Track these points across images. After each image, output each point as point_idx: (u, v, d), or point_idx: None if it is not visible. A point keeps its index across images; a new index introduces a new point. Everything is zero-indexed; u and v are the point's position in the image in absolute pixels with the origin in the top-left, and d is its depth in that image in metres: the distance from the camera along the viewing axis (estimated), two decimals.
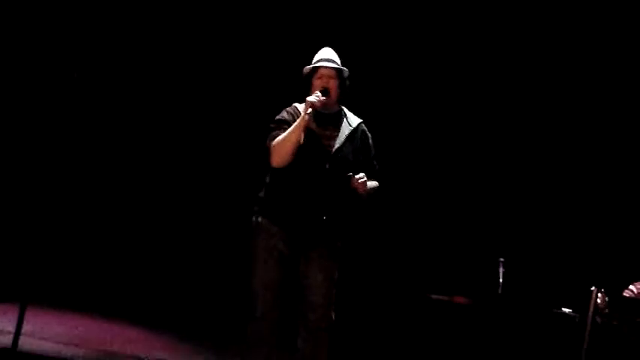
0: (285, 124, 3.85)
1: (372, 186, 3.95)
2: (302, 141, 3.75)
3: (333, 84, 3.91)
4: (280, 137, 3.80)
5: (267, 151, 3.85)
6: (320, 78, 3.92)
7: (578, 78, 6.31)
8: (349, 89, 4.04)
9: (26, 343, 3.84)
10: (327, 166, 3.84)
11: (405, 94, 6.57)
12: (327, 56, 3.98)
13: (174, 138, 6.89)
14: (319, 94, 3.84)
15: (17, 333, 3.30)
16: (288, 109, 3.97)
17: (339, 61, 4.01)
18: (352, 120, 4.01)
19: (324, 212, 3.83)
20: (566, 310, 5.17)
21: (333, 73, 3.92)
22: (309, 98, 3.80)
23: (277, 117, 3.94)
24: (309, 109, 3.77)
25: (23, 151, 6.52)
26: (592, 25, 6.24)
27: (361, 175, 3.80)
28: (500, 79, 6.47)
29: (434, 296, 5.56)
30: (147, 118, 6.90)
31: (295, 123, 3.79)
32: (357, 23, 6.51)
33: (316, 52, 4.07)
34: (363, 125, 4.05)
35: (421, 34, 6.54)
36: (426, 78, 6.56)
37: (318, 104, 3.80)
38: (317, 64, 3.95)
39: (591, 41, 6.25)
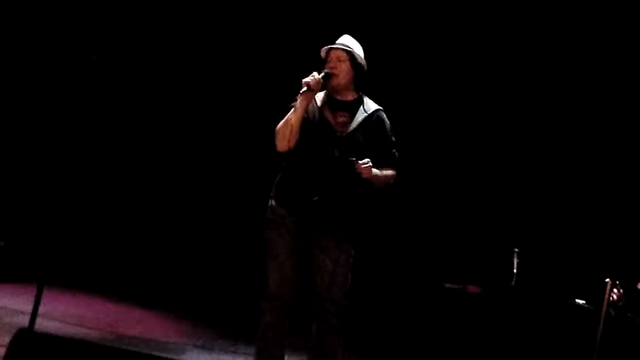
0: None
1: (386, 174, 3.92)
2: (297, 123, 3.74)
3: (341, 67, 3.88)
4: (280, 123, 3.83)
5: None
6: (330, 60, 3.91)
7: (593, 73, 6.28)
8: (367, 76, 4.00)
9: (42, 323, 3.85)
10: (337, 152, 3.83)
11: (426, 86, 6.55)
12: (342, 41, 3.97)
13: (195, 122, 6.89)
14: (315, 73, 3.82)
15: (34, 314, 3.32)
16: None
17: (358, 50, 3.97)
18: (369, 107, 3.97)
19: (327, 195, 3.81)
20: (580, 302, 5.15)
21: (343, 55, 3.89)
22: (304, 79, 3.79)
23: (291, 104, 3.92)
24: (304, 89, 3.76)
25: (43, 135, 6.56)
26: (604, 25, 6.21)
27: (365, 160, 3.77)
28: (518, 73, 6.44)
29: (447, 285, 5.56)
30: (168, 102, 6.91)
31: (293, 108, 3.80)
32: (381, 18, 6.49)
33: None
34: (382, 112, 4.00)
35: (443, 29, 6.52)
36: (445, 72, 6.55)
37: (313, 83, 3.77)
38: (328, 46, 3.94)
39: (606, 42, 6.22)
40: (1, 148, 6.57)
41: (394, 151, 4.00)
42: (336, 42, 3.98)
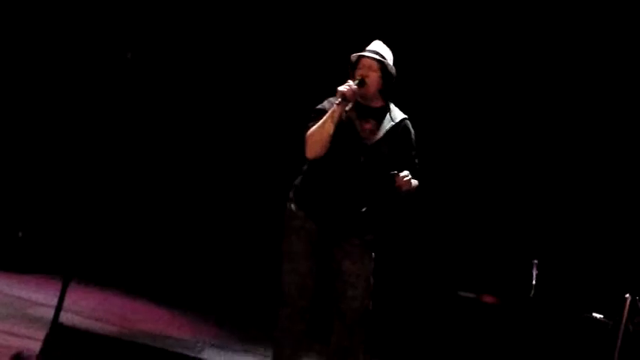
0: (324, 114, 3.81)
1: (414, 185, 3.91)
2: (331, 132, 3.71)
3: (372, 76, 3.85)
4: (313, 129, 3.79)
5: (303, 142, 3.83)
6: (361, 68, 3.87)
7: (616, 86, 6.26)
8: (395, 85, 3.98)
9: (65, 317, 3.89)
10: (362, 159, 3.81)
11: (447, 95, 6.55)
12: (374, 48, 3.94)
13: (219, 122, 6.93)
14: (351, 82, 3.79)
15: (59, 306, 3.36)
16: (331, 98, 3.92)
17: (389, 56, 3.95)
18: (396, 115, 3.95)
19: (355, 206, 3.80)
20: (598, 316, 5.13)
21: (374, 64, 3.86)
22: (340, 88, 3.76)
23: (318, 106, 3.91)
24: (339, 98, 3.73)
25: (72, 130, 6.61)
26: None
27: (406, 173, 3.73)
28: (541, 84, 6.43)
29: (462, 293, 5.55)
30: (193, 101, 6.95)
31: (327, 114, 3.77)
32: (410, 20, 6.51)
33: (366, 43, 4.02)
34: (407, 121, 3.97)
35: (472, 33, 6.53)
36: (467, 82, 6.54)
37: (349, 93, 3.74)
38: (360, 53, 3.91)
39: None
40: (30, 141, 6.62)
41: (417, 161, 3.98)
42: (368, 48, 3.94)
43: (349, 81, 3.81)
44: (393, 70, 3.93)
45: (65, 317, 4.17)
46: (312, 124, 3.82)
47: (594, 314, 5.14)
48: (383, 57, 3.89)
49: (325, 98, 3.96)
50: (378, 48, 3.95)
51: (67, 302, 4.21)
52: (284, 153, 6.03)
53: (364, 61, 3.87)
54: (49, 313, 3.84)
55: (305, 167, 3.94)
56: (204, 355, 4.76)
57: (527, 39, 6.45)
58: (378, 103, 3.95)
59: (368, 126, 3.87)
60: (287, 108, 6.50)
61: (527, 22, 6.44)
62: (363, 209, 3.83)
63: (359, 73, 3.85)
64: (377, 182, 3.80)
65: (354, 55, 3.93)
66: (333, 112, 3.75)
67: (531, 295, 5.19)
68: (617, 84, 6.28)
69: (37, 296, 5.12)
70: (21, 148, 6.61)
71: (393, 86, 3.96)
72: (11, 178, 6.52)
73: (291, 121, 4.21)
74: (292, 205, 3.89)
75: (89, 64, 6.57)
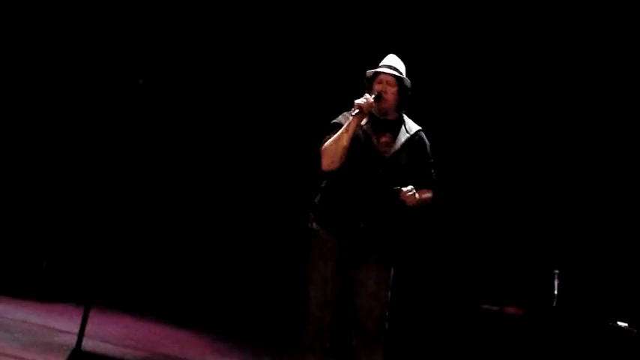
0: (339, 128, 3.85)
1: (425, 197, 3.92)
2: (347, 144, 3.74)
3: (390, 91, 3.90)
4: (329, 141, 3.82)
5: (318, 156, 3.86)
6: (380, 83, 3.91)
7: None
8: (411, 99, 4.01)
9: (86, 343, 3.93)
10: (381, 172, 3.84)
11: (465, 106, 6.55)
12: (390, 63, 3.98)
13: (234, 142, 6.97)
14: (368, 96, 3.84)
15: (81, 334, 3.39)
16: (345, 113, 3.96)
17: (403, 70, 3.99)
18: (410, 127, 3.99)
19: (372, 218, 3.82)
20: (623, 324, 5.09)
21: (392, 80, 3.91)
22: (357, 100, 3.80)
23: (333, 120, 3.95)
24: (356, 111, 3.77)
25: (89, 158, 6.69)
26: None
27: (409, 187, 3.78)
28: (557, 92, 6.41)
29: (484, 306, 5.52)
30: (209, 120, 7.00)
31: (343, 127, 3.81)
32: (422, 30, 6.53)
33: (380, 58, 4.06)
34: (422, 133, 4.01)
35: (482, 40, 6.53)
36: (483, 91, 6.54)
37: (365, 105, 3.79)
38: (378, 69, 3.95)
39: None
40: (47, 169, 6.71)
41: (433, 172, 4.02)
42: (384, 63, 3.98)
43: (366, 94, 3.85)
44: (409, 84, 3.97)
45: (89, 344, 4.23)
46: (327, 137, 3.86)
47: (618, 322, 5.09)
48: (400, 72, 3.94)
49: (340, 113, 4.00)
50: (394, 62, 3.98)
51: (91, 329, 4.26)
52: (302, 171, 6.05)
53: (383, 76, 3.92)
54: (74, 341, 3.89)
55: (323, 184, 3.97)
56: None
57: (534, 45, 6.44)
58: (392, 116, 3.98)
59: (384, 139, 3.91)
60: (300, 122, 6.55)
61: (530, 29, 6.43)
62: (384, 225, 3.84)
63: (377, 88, 3.89)
64: (395, 199, 3.81)
65: (370, 72, 3.97)
66: (349, 124, 3.79)
67: (554, 305, 5.16)
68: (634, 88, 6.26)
69: (61, 324, 5.16)
70: (44, 181, 6.69)
71: (408, 99, 4.00)
72: (35, 210, 6.60)
73: (307, 136, 4.23)
74: (314, 224, 3.92)
75: (104, 92, 6.65)
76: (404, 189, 3.76)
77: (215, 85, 6.98)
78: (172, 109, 6.92)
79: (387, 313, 3.86)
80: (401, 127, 3.96)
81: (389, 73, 3.91)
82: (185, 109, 6.97)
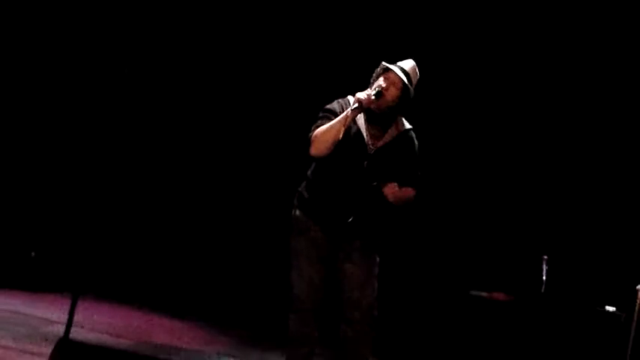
0: (332, 115, 3.82)
1: (407, 195, 3.88)
2: (341, 136, 3.70)
3: (392, 91, 3.82)
4: (322, 128, 3.79)
5: (308, 140, 3.83)
6: (387, 79, 3.83)
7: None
8: (408, 108, 3.94)
9: (75, 333, 3.92)
10: (366, 164, 3.83)
11: (452, 95, 6.55)
12: (405, 66, 3.90)
13: (218, 131, 6.96)
14: (370, 91, 3.80)
15: (69, 323, 3.39)
16: (340, 100, 3.93)
17: (415, 80, 3.92)
18: (402, 124, 3.96)
19: (354, 211, 3.81)
20: (611, 309, 5.13)
21: (398, 82, 3.82)
22: (358, 94, 3.77)
23: (327, 106, 3.91)
24: (355, 105, 3.74)
25: (76, 147, 6.67)
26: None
27: (393, 184, 3.78)
28: (544, 84, 6.43)
29: (473, 292, 5.55)
30: (192, 110, 6.98)
31: (340, 116, 3.77)
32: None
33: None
34: (412, 132, 3.97)
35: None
36: (470, 81, 6.55)
37: (365, 102, 3.77)
38: (392, 66, 3.87)
39: None
40: (34, 160, 6.69)
41: (418, 171, 3.96)
42: (399, 64, 3.90)
43: (368, 89, 3.82)
44: (412, 94, 3.89)
45: (78, 333, 4.23)
46: (320, 122, 3.83)
47: (606, 307, 5.13)
48: (410, 80, 3.86)
49: (324, 101, 3.97)
50: (409, 68, 3.90)
51: (81, 318, 4.27)
52: (288, 160, 6.06)
53: (391, 74, 3.85)
54: (63, 330, 3.88)
55: (309, 172, 3.96)
56: None
57: (534, 46, 6.46)
58: (386, 112, 3.94)
59: (374, 132, 3.89)
60: (289, 113, 6.54)
61: (530, 31, 6.45)
62: (369, 216, 3.84)
63: (382, 83, 3.82)
64: (375, 190, 3.81)
65: (384, 64, 3.90)
66: (347, 117, 3.74)
67: (542, 290, 5.19)
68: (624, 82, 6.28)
69: (51, 314, 5.16)
70: (32, 171, 6.67)
71: (405, 107, 3.93)
72: (23, 200, 6.58)
73: (294, 127, 4.22)
74: (297, 211, 3.91)
75: (91, 82, 6.62)
76: (388, 184, 3.76)
77: (202, 75, 6.95)
78: (159, 99, 6.89)
79: (375, 303, 3.85)
80: (392, 123, 3.93)
81: (399, 75, 3.84)
82: (172, 100, 6.94)
